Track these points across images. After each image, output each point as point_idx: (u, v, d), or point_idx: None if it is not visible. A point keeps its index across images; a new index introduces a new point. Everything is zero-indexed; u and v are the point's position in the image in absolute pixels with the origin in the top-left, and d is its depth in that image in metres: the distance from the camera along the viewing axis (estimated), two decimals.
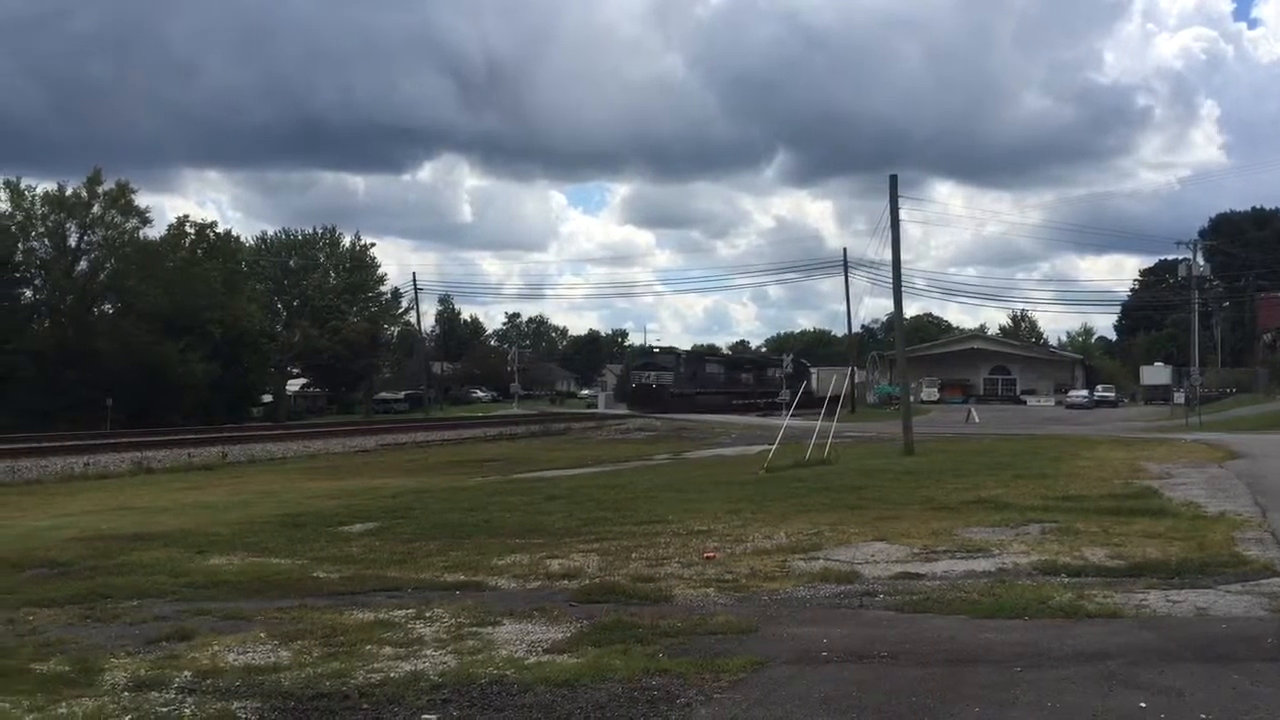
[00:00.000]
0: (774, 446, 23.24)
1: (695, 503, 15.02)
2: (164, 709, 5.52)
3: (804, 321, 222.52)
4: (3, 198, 54.17)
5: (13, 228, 53.35)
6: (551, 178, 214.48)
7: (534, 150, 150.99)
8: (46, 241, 54.79)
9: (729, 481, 18.99)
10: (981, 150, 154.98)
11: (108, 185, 55.20)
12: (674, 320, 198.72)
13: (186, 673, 6.19)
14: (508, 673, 6.08)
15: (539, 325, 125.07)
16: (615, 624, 7.20)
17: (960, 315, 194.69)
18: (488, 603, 8.17)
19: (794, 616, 7.57)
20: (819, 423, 25.97)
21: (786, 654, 6.43)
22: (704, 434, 42.40)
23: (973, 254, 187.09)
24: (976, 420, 51.17)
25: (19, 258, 53.13)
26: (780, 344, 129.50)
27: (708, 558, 10.09)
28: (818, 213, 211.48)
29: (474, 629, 7.22)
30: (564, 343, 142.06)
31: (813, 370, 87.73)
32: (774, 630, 7.09)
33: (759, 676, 5.95)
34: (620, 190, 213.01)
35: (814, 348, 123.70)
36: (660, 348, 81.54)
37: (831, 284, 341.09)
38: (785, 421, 28.15)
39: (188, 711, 5.48)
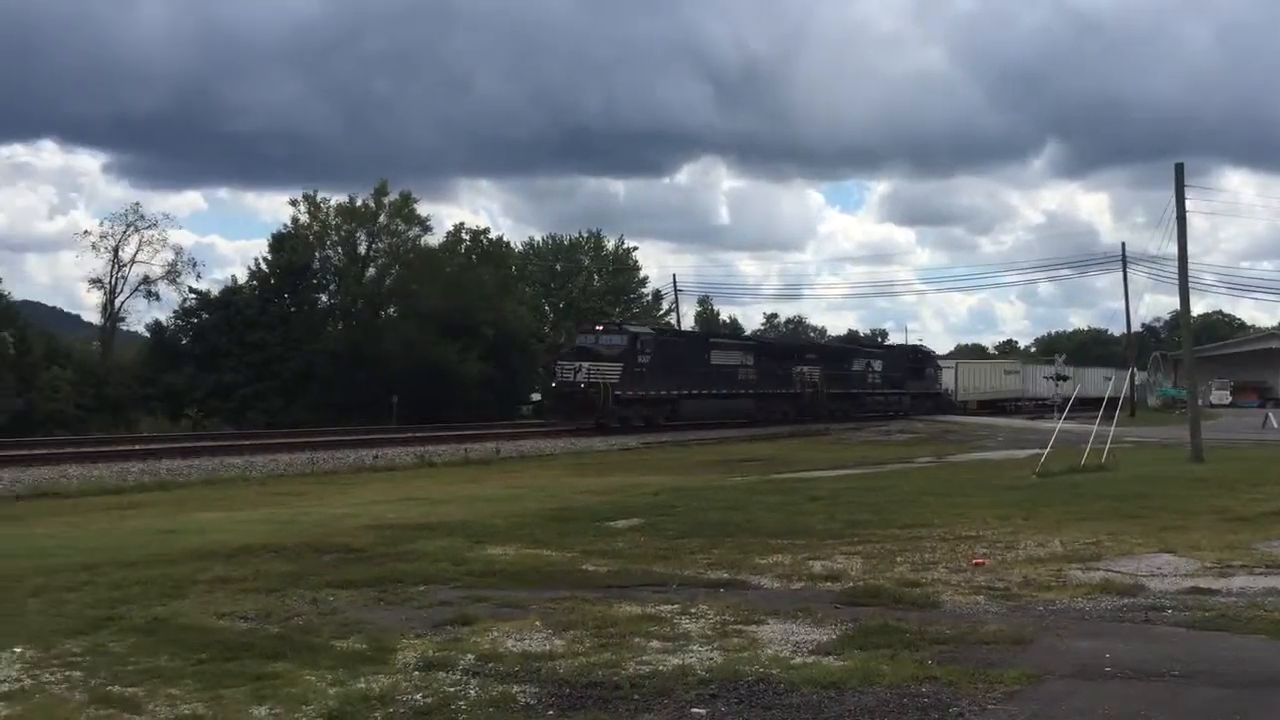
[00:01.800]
0: (1046, 451, 22.20)
1: (961, 507, 14.56)
2: (451, 689, 5.86)
3: (1076, 320, 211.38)
4: (303, 210, 58.88)
5: (310, 238, 57.88)
6: (808, 177, 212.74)
7: (791, 150, 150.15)
8: (340, 250, 59.11)
9: (997, 486, 18.29)
10: (1278, 135, 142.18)
11: (393, 196, 59.01)
12: (936, 320, 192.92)
13: (470, 656, 6.55)
14: (774, 671, 6.09)
15: (797, 325, 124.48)
16: (881, 628, 7.09)
17: (1255, 312, 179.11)
18: (751, 601, 8.21)
19: (1073, 629, 7.22)
20: (1095, 426, 24.61)
21: (1066, 667, 6.14)
22: (968, 436, 41.04)
23: (1269, 247, 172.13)
24: (1276, 426, 47.00)
25: (316, 265, 57.54)
26: (1051, 344, 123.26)
27: (977, 564, 9.76)
28: (1091, 206, 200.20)
29: (739, 627, 7.28)
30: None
31: (1031, 367, 75.55)
32: (1051, 642, 6.79)
33: (1037, 690, 5.71)
34: (879, 188, 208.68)
35: (1088, 347, 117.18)
36: (607, 323, 44.96)
37: (1107, 281, 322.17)
38: (1059, 425, 26.82)
39: (472, 693, 5.79)
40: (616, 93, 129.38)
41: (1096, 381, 58.75)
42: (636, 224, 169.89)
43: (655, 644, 6.82)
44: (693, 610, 7.83)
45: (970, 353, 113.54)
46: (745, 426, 43.69)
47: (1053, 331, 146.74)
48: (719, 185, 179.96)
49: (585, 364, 38.60)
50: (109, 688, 5.94)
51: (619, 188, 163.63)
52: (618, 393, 38.34)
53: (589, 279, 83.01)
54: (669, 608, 7.92)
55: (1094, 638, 6.93)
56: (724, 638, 6.98)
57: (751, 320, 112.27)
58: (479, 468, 26.36)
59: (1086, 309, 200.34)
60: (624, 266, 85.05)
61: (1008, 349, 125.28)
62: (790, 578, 9.37)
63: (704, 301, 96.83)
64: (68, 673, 6.26)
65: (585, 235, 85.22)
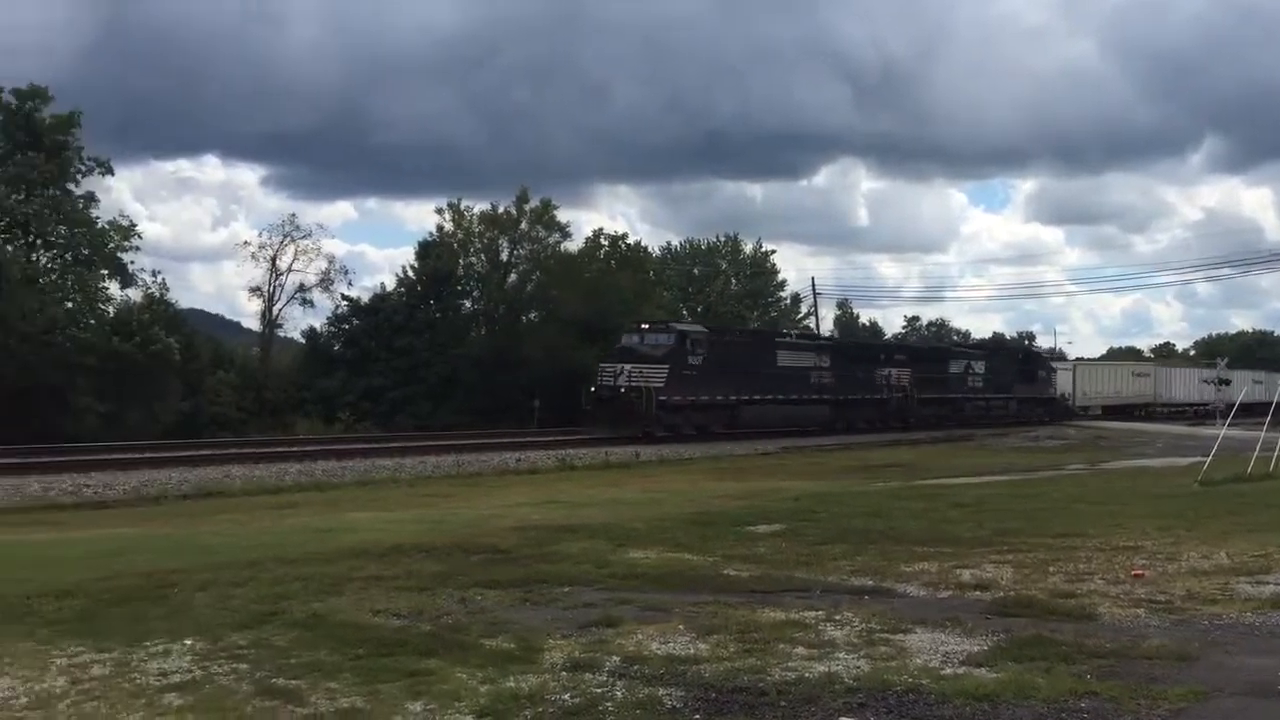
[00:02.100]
0: (1208, 459, 21.22)
1: (1117, 516, 14.03)
2: (598, 690, 5.93)
3: (1239, 321, 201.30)
4: (447, 218, 60.44)
5: (455, 245, 59.34)
6: (950, 176, 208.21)
7: (932, 149, 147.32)
8: (483, 257, 60.45)
9: (1155, 495, 17.58)
10: None
11: (533, 203, 60.14)
12: (1086, 322, 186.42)
13: (615, 658, 6.61)
14: (923, 682, 5.98)
15: (940, 328, 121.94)
16: (1035, 640, 6.89)
17: None
18: (897, 609, 8.07)
19: (1242, 645, 6.88)
20: (1262, 433, 23.41)
21: (1235, 685, 5.86)
22: (1123, 443, 39.51)
23: None
24: None
25: (460, 272, 58.95)
26: (1211, 346, 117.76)
27: (1136, 576, 9.39)
28: (1254, 201, 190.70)
29: (885, 635, 7.17)
30: None
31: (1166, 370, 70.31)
32: (1219, 658, 6.49)
33: (1204, 707, 5.47)
34: (1024, 186, 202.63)
35: (1251, 350, 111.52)
36: (653, 321, 40.51)
37: (1272, 280, 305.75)
38: (1222, 432, 25.61)
39: (619, 694, 5.84)
40: (752, 96, 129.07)
41: (1246, 385, 55.46)
42: (774, 227, 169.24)
43: (800, 650, 6.76)
44: (837, 617, 7.74)
45: (1121, 355, 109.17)
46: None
47: (1213, 333, 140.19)
48: (858, 186, 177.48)
49: (627, 366, 34.65)
50: (273, 680, 6.19)
51: (756, 191, 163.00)
52: (662, 398, 34.19)
53: (726, 283, 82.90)
54: (813, 614, 7.85)
55: (1265, 655, 6.60)
56: (870, 646, 6.88)
57: (892, 323, 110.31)
58: (619, 471, 26.58)
59: (1251, 310, 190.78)
60: (762, 270, 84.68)
61: (1165, 352, 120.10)
62: (937, 586, 9.18)
63: (843, 305, 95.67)
64: (235, 665, 6.55)
65: (723, 239, 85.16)
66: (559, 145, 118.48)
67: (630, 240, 67.76)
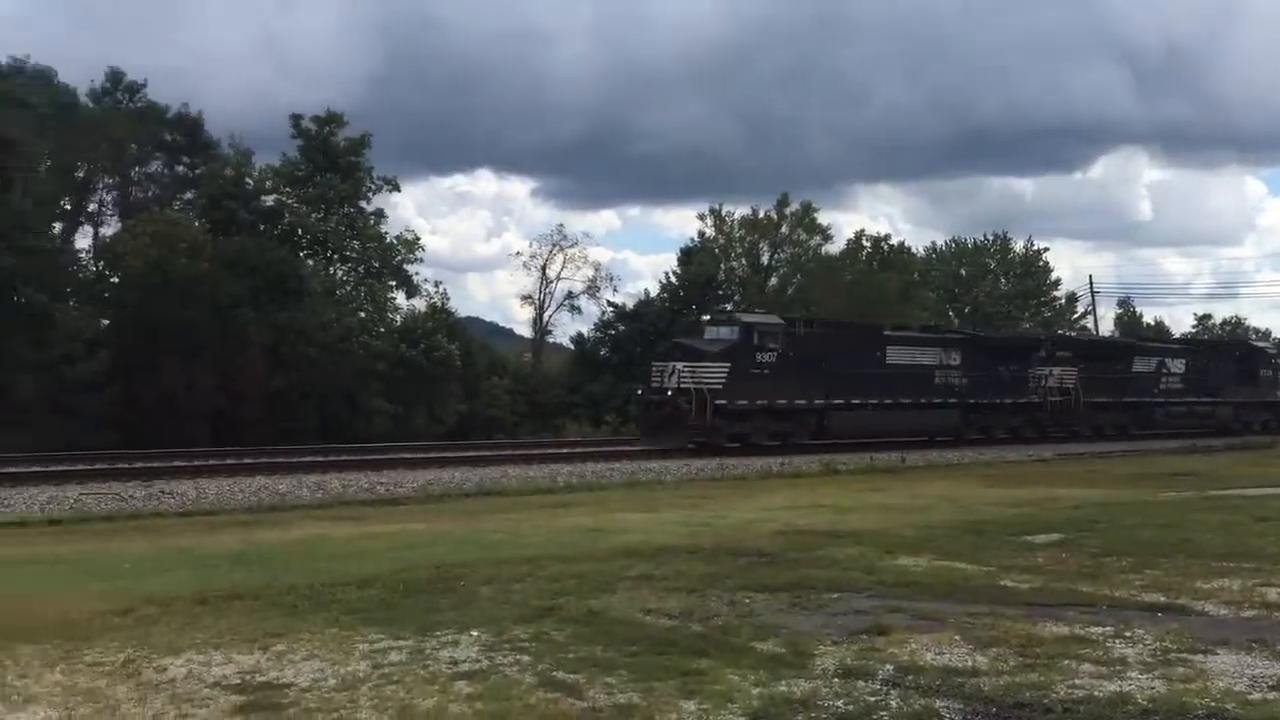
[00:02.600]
0: None
1: None
2: (871, 698, 5.84)
3: None
4: (709, 224, 61.23)
5: (716, 250, 60.01)
6: (1246, 164, 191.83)
7: (1225, 136, 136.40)
8: (744, 261, 60.88)
9: None
10: None
11: (793, 207, 60.12)
12: None
13: (888, 666, 6.49)
14: (1227, 706, 5.56)
15: (1234, 326, 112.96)
16: None
17: None
18: (1195, 628, 7.54)
19: None
20: None
21: None
22: None
23: None
24: None
25: (721, 276, 59.52)
26: None
27: None
28: None
29: (1182, 655, 6.71)
30: None
31: None
32: None
33: None
34: None
35: None
36: (715, 313, 37.86)
37: None
38: None
39: (893, 703, 5.74)
40: (1019, 88, 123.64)
41: None
42: (1046, 223, 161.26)
43: (1087, 667, 6.43)
44: (1128, 634, 7.31)
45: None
46: (1175, 438, 37.39)
47: None
48: (1139, 178, 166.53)
49: (678, 365, 29.07)
50: (554, 673, 6.44)
51: (1025, 186, 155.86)
52: (720, 401, 28.65)
53: (995, 283, 79.87)
54: (1099, 630, 7.45)
55: None
56: (1166, 666, 6.46)
57: (1180, 322, 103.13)
58: (884, 476, 26.03)
59: None
60: (1033, 269, 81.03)
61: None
62: (1240, 604, 8.51)
63: (1124, 303, 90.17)
64: (517, 656, 6.86)
65: (990, 238, 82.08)
66: (818, 147, 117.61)
67: (893, 241, 66.46)
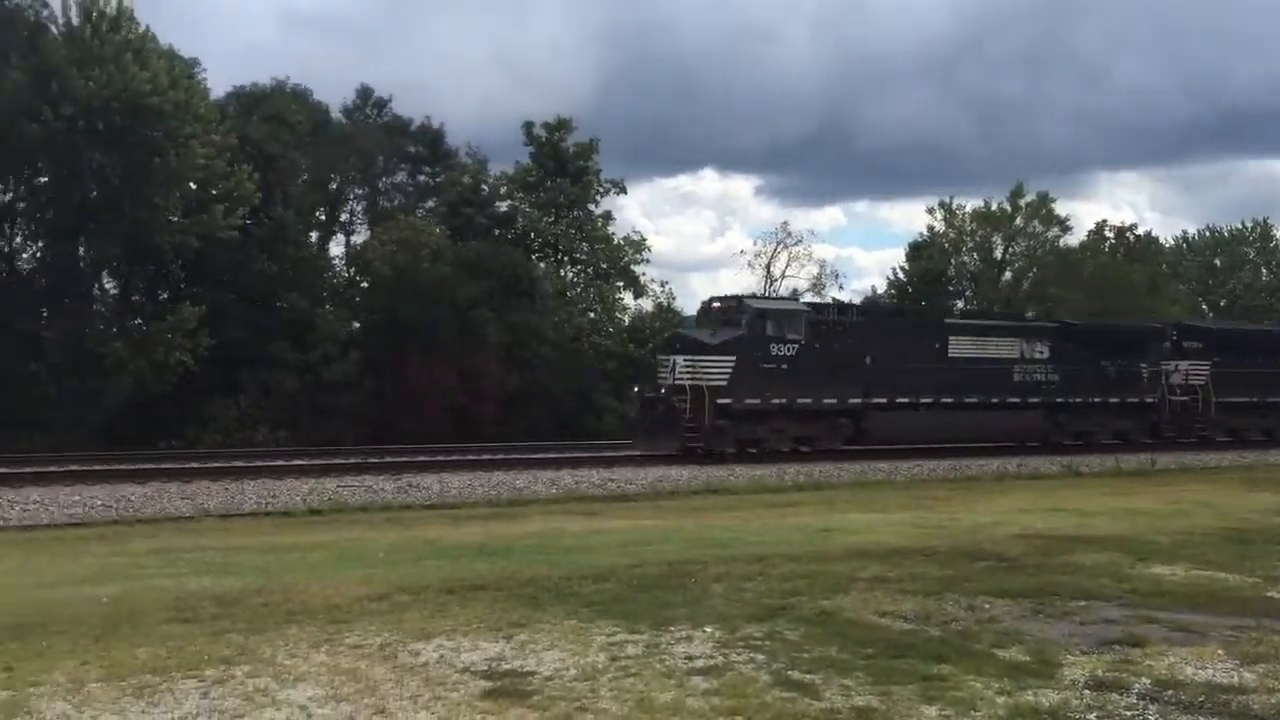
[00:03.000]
0: None
1: None
2: (1128, 713, 5.56)
3: None
4: (938, 218, 59.55)
5: (946, 244, 58.31)
6: None
7: None
8: (975, 255, 58.89)
9: None
10: None
11: (1029, 197, 57.62)
12: None
13: (1144, 680, 6.15)
14: None
15: None
16: None
17: None
18: None
19: None
20: None
21: None
22: None
23: None
24: None
25: (951, 271, 57.80)
26: None
27: None
28: None
29: None
30: None
31: None
32: None
33: None
34: None
35: None
36: (726, 299, 28.21)
37: None
38: None
39: (1152, 719, 5.44)
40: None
41: None
42: None
43: None
44: None
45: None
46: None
47: None
48: None
49: (679, 359, 25.24)
50: (788, 672, 6.43)
51: None
52: (724, 400, 24.88)
53: (1255, 273, 74.25)
54: None
55: None
56: None
57: None
58: (1131, 479, 24.64)
59: None
60: None
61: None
62: None
63: None
64: (751, 654, 6.88)
65: (1249, 225, 76.31)
66: (1053, 134, 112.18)
67: (1139, 231, 62.77)
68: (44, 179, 34.09)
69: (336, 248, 46.87)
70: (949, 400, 28.13)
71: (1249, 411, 34.01)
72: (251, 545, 12.62)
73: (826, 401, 26.45)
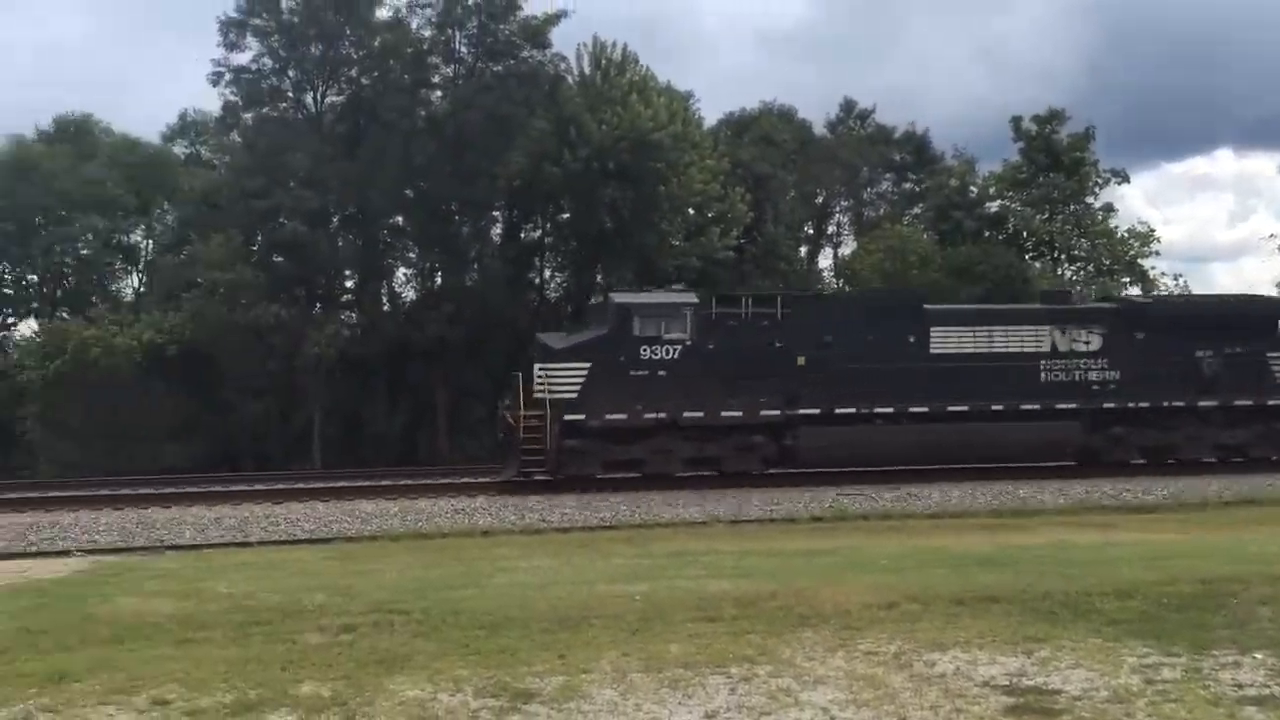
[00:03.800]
0: None
1: None
2: None
3: None
4: None
5: None
6: None
7: None
8: None
9: None
10: None
11: None
12: None
13: None
14: None
15: None
16: None
17: None
18: None
19: None
20: None
21: None
22: None
23: None
24: None
25: None
26: None
27: None
28: None
29: None
30: None
31: None
32: None
33: None
34: None
35: None
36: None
37: None
38: None
39: None
40: None
41: None
42: None
43: None
44: None
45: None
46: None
47: None
48: None
49: (537, 368, 20.81)
50: None
51: None
52: (575, 416, 20.31)
53: None
54: None
55: None
56: None
57: None
58: None
59: None
60: None
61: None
62: None
63: None
64: None
65: None
66: None
67: None
68: (565, 215, 38.06)
69: (824, 260, 47.91)
70: (921, 409, 21.36)
71: None
72: (760, 550, 13.16)
73: (727, 415, 20.89)
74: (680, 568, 11.57)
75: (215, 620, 8.75)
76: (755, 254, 38.85)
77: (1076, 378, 22.28)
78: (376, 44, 35.71)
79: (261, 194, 33.76)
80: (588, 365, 20.46)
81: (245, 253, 34.50)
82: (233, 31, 35.00)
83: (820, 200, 47.10)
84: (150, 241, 41.55)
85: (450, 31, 36.28)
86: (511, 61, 36.08)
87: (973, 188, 44.88)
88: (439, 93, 36.95)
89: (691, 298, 21.83)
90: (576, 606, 9.06)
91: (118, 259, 40.83)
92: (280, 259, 34.59)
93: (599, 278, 37.57)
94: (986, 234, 42.94)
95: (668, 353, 20.72)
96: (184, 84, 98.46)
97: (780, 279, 39.20)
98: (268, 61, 35.54)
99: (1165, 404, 22.36)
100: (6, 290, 38.05)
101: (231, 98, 36.03)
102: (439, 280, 38.13)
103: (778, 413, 20.96)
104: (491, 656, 7.35)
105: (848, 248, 47.08)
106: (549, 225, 39.84)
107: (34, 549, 15.47)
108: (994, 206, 44.81)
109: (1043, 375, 22.11)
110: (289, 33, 34.90)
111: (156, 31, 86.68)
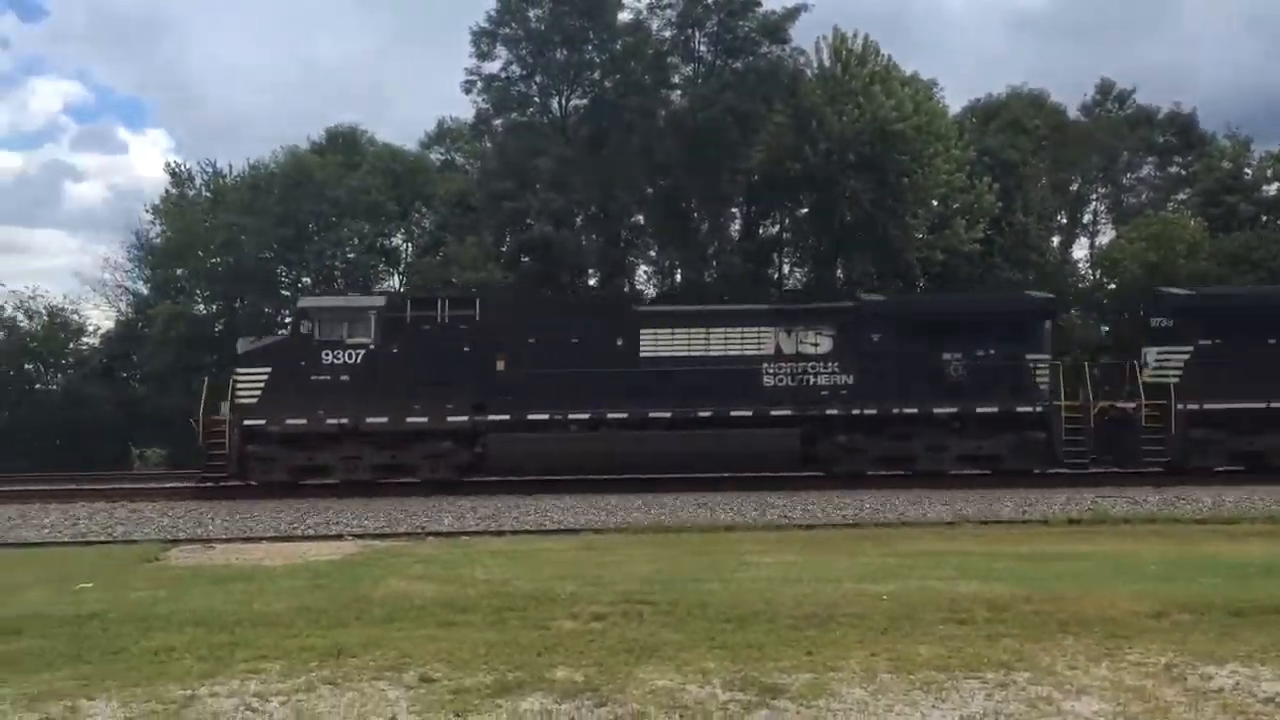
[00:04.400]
0: None
1: None
2: None
3: None
4: None
5: None
6: None
7: None
8: None
9: None
10: None
11: None
12: None
13: None
14: None
15: None
16: None
17: None
18: None
19: None
20: None
21: None
22: None
23: None
24: None
25: None
26: None
27: None
28: None
29: None
30: None
31: None
32: None
33: None
34: None
35: None
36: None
37: None
38: None
39: None
40: None
41: None
42: None
43: None
44: None
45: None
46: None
47: None
48: None
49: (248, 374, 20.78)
50: None
51: None
52: (253, 421, 20.23)
53: None
54: None
55: None
56: None
57: None
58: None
59: None
60: None
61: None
62: None
63: None
64: None
65: None
66: None
67: None
68: (804, 210, 37.74)
69: (1079, 250, 45.57)
70: (622, 415, 20.45)
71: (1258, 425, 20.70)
72: (1012, 552, 12.66)
73: (413, 421, 20.40)
74: (929, 568, 11.27)
75: (474, 604, 9.16)
76: (1004, 246, 37.37)
77: (804, 382, 20.88)
78: (618, 47, 36.48)
79: (511, 196, 35.13)
80: (268, 370, 20.47)
81: (495, 254, 35.98)
82: (484, 41, 36.57)
83: (1075, 188, 44.79)
84: (409, 244, 43.91)
85: (690, 31, 36.65)
86: (750, 58, 36.10)
87: (1248, 169, 41.65)
88: (679, 92, 37.40)
89: (378, 300, 21.91)
90: (823, 604, 8.97)
91: (380, 261, 43.32)
92: (527, 259, 35.84)
93: (839, 272, 37.08)
94: (1264, 219, 39.77)
95: (350, 357, 20.51)
96: (439, 93, 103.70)
97: (1031, 271, 37.57)
98: (516, 69, 36.94)
99: (896, 411, 20.58)
100: (284, 291, 41.00)
101: (483, 105, 37.67)
102: (678, 277, 38.59)
103: (465, 419, 20.52)
104: (739, 650, 7.37)
105: (1106, 237, 44.58)
106: (787, 220, 39.63)
107: (311, 533, 16.64)
108: (1272, 189, 41.42)
109: (766, 380, 20.83)
110: (536, 39, 36.14)
111: (413, 46, 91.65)
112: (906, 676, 6.66)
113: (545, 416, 20.45)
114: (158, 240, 43.64)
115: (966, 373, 20.54)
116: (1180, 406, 20.35)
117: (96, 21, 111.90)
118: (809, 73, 35.98)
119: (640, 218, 39.04)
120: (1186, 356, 20.68)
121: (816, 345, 20.85)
